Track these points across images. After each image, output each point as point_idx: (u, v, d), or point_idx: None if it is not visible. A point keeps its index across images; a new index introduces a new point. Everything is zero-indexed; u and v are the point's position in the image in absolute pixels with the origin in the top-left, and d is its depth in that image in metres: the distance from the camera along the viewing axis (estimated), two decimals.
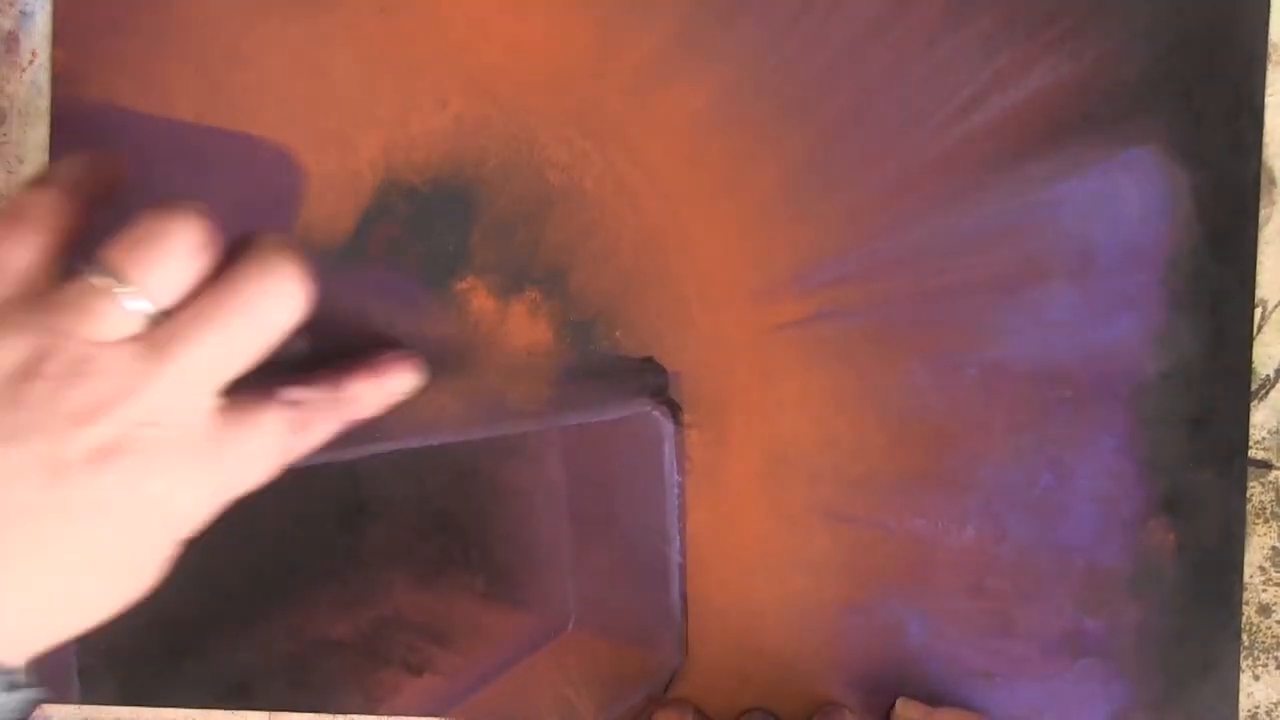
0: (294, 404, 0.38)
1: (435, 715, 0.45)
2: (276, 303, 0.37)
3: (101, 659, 0.44)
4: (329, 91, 0.44)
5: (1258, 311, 0.44)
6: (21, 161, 0.45)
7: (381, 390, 0.41)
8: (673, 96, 0.44)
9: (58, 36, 0.44)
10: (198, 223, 0.36)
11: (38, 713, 0.44)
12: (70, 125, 0.44)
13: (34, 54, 0.44)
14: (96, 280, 0.35)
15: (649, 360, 0.44)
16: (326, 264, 0.44)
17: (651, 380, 0.44)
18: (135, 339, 0.35)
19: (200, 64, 0.44)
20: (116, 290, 0.35)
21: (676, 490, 0.44)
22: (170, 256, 0.35)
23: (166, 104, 0.44)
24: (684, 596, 0.44)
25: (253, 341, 0.36)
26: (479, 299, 0.44)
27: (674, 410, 0.44)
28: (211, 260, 0.36)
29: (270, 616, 0.44)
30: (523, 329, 0.44)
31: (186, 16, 0.44)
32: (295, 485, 0.44)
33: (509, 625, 0.44)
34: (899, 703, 0.44)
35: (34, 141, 0.44)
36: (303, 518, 0.44)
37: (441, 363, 0.44)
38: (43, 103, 0.44)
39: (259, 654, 0.44)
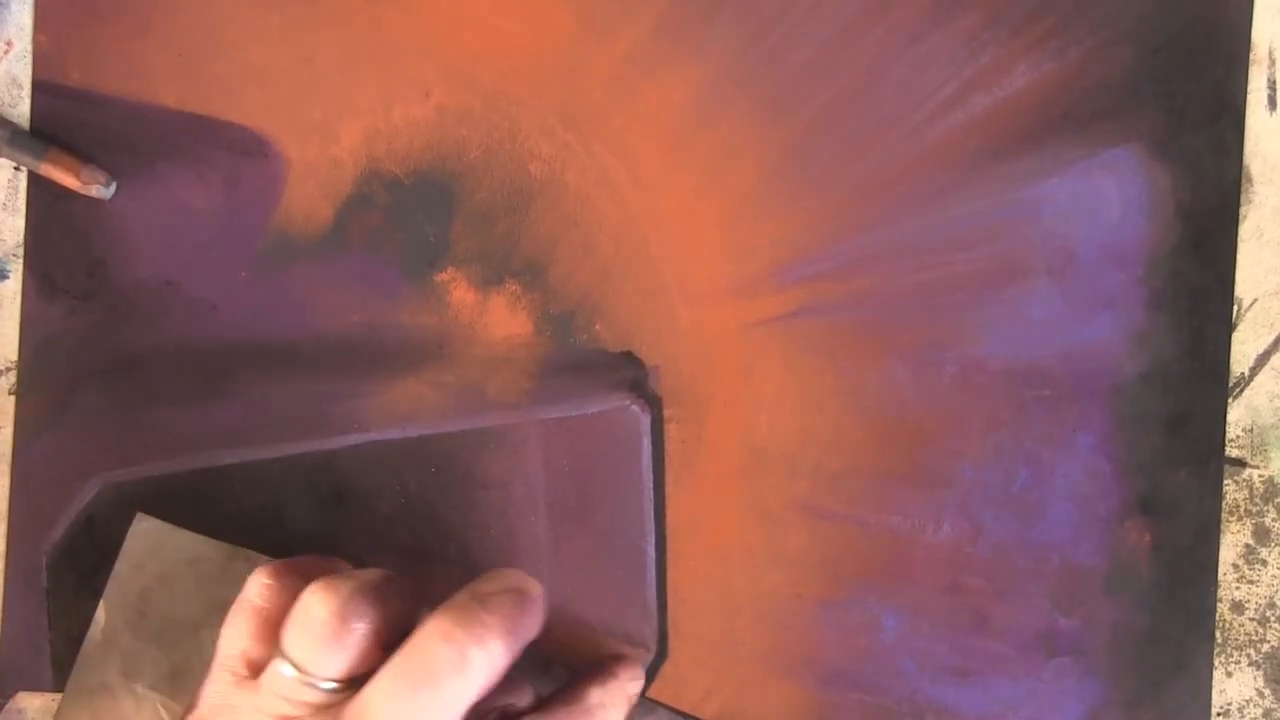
0: None
1: None
2: (462, 677, 0.35)
3: (75, 648, 0.44)
4: (311, 79, 0.44)
5: (1233, 310, 0.44)
6: None
7: (623, 693, 0.42)
8: (656, 89, 0.44)
9: (39, 20, 0.44)
10: (362, 599, 0.36)
11: (11, 704, 0.44)
12: (50, 111, 0.44)
13: (9, 43, 0.44)
14: (283, 669, 0.36)
15: (628, 354, 0.44)
16: (306, 253, 0.44)
17: (630, 374, 0.44)
18: (324, 710, 0.36)
19: (182, 50, 0.44)
20: (297, 677, 0.36)
21: (654, 484, 0.44)
22: (340, 638, 0.36)
23: (148, 90, 0.44)
24: (661, 591, 0.44)
25: (441, 713, 0.35)
26: (459, 290, 0.44)
27: (652, 404, 0.44)
28: (392, 621, 0.37)
29: None
30: (502, 321, 0.44)
31: (169, 2, 0.44)
32: (272, 475, 0.44)
33: None
34: None
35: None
36: (279, 508, 0.44)
37: (420, 354, 0.44)
38: (19, 92, 0.44)
39: None
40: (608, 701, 0.41)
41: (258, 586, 0.38)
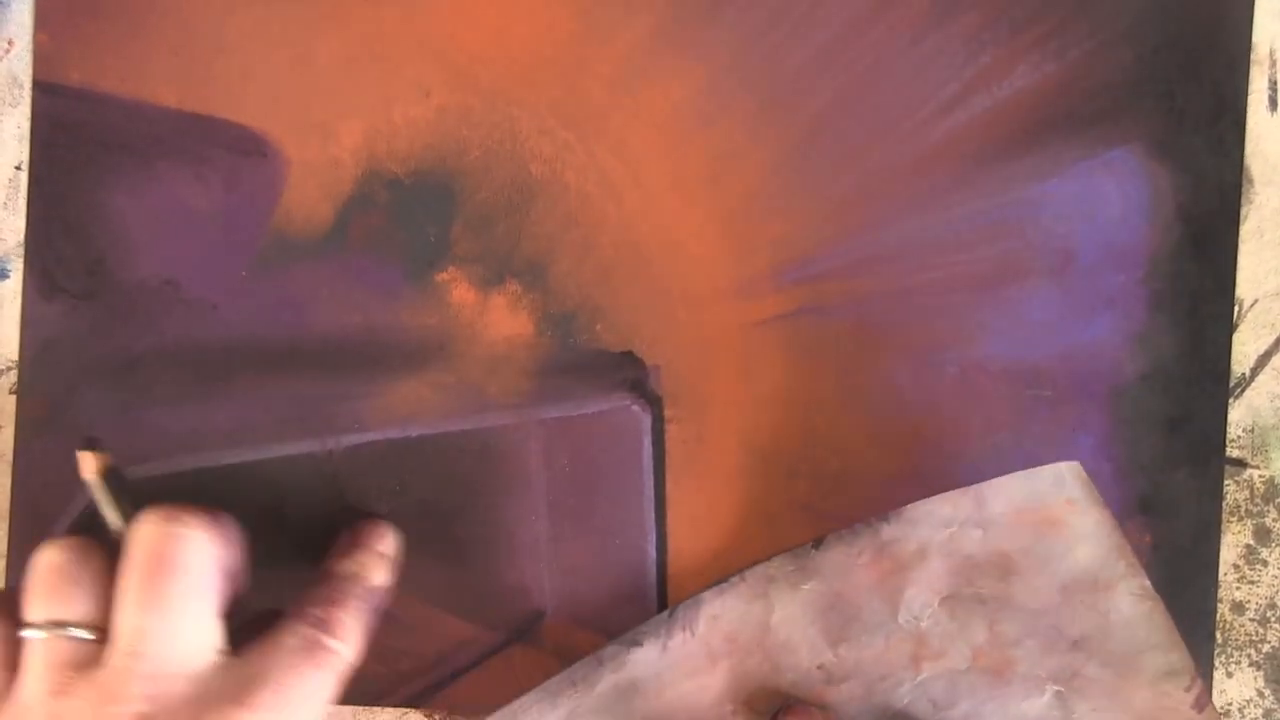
0: (306, 622, 0.38)
1: (411, 706, 0.45)
2: (187, 548, 0.36)
3: None
4: (311, 79, 0.44)
5: (1234, 310, 0.44)
6: None
7: (376, 553, 0.42)
8: (656, 89, 0.44)
9: (40, 19, 0.44)
10: (84, 542, 0.37)
11: None
12: (50, 110, 0.44)
13: (10, 42, 0.44)
14: (32, 635, 0.36)
15: (628, 354, 0.44)
16: (306, 253, 0.44)
17: (630, 374, 0.44)
18: (90, 664, 0.36)
19: (182, 50, 0.44)
20: (48, 635, 0.36)
21: (654, 485, 0.44)
22: (74, 577, 0.37)
23: (148, 90, 0.44)
24: (662, 591, 0.44)
25: (187, 589, 0.36)
26: (459, 290, 0.44)
27: (653, 404, 0.44)
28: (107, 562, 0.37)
29: (245, 606, 0.44)
30: (503, 321, 0.44)
31: (169, 2, 0.44)
32: (272, 475, 0.44)
33: (486, 617, 0.44)
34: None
35: (9, 131, 0.44)
36: (279, 508, 0.44)
37: (421, 354, 0.44)
38: (19, 91, 0.44)
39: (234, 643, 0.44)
40: (359, 566, 0.41)
41: None
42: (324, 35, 0.44)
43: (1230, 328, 0.44)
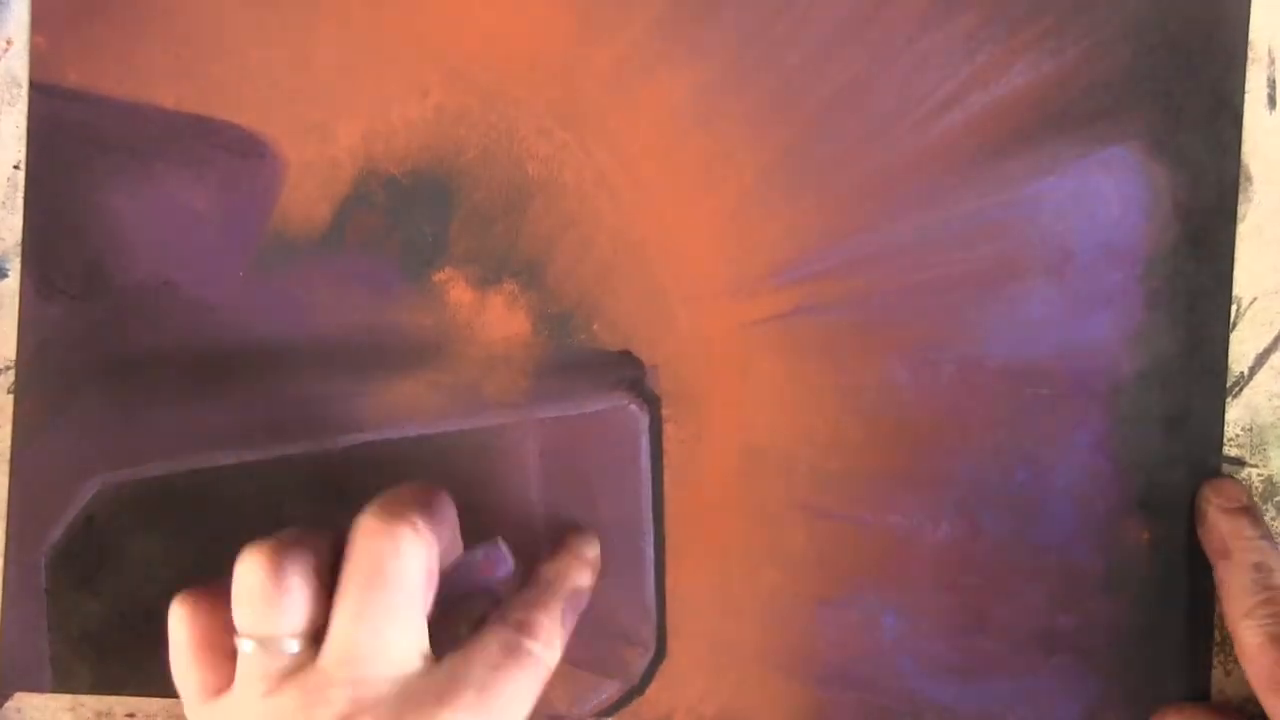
0: (508, 625, 0.38)
1: None
2: (402, 558, 0.36)
3: (74, 648, 0.44)
4: (309, 80, 0.44)
5: (1232, 309, 0.44)
6: None
7: (579, 558, 0.42)
8: (653, 89, 0.44)
9: (36, 21, 0.44)
10: (289, 548, 0.37)
11: (9, 704, 0.44)
12: (48, 111, 0.44)
13: (9, 41, 0.44)
14: (243, 645, 0.36)
15: (626, 353, 0.44)
16: (304, 253, 0.44)
17: (628, 374, 0.44)
18: (300, 670, 0.36)
19: (180, 51, 0.44)
20: (258, 647, 0.36)
21: (652, 484, 0.44)
22: (282, 588, 0.36)
23: (146, 91, 0.44)
24: (660, 590, 0.44)
25: (402, 602, 0.36)
26: (457, 290, 0.44)
27: (651, 404, 0.44)
28: (324, 565, 0.37)
29: None
30: (500, 320, 0.44)
31: (167, 2, 0.44)
32: (271, 475, 0.44)
33: None
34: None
35: (7, 130, 0.44)
36: (278, 508, 0.44)
37: (418, 354, 0.44)
38: (18, 90, 0.44)
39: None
40: (561, 570, 0.41)
41: (178, 622, 0.38)
42: (322, 35, 0.44)
43: (1229, 326, 0.44)
